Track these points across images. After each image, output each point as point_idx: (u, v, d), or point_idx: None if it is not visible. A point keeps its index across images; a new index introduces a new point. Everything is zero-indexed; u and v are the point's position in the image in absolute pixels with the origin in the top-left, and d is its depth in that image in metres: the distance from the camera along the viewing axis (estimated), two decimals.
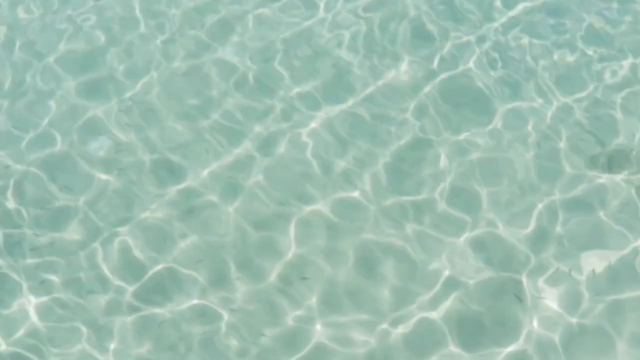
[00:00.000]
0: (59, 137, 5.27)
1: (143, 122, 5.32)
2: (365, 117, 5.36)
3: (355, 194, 5.03)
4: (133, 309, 4.59)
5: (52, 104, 5.43)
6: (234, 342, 4.49)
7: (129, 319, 4.56)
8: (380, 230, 4.87)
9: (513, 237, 4.84)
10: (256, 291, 4.65)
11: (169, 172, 5.11)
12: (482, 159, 5.18)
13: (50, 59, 5.67)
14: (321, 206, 4.96)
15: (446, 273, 4.70)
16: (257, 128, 5.31)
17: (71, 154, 5.19)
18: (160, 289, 4.67)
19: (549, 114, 5.38)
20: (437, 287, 4.66)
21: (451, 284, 4.67)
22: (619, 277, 4.70)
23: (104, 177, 5.08)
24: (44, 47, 5.73)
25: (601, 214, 4.93)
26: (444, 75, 5.57)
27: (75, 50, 5.71)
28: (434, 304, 4.61)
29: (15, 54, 5.69)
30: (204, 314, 4.59)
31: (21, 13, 5.91)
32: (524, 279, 4.68)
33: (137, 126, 5.30)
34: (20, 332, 4.53)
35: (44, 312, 4.60)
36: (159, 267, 4.72)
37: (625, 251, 4.79)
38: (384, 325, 4.54)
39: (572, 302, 4.62)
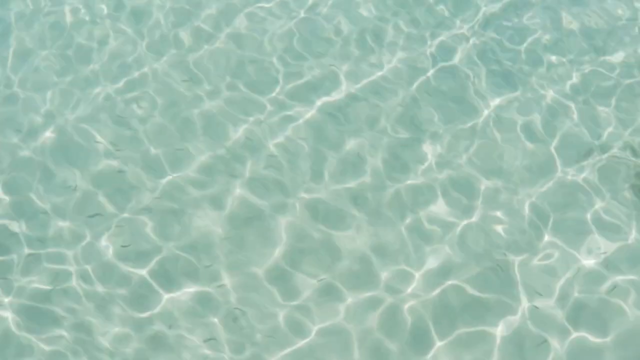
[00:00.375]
0: (50, 134, 5.28)
1: (136, 117, 5.34)
2: (359, 111, 5.41)
3: (352, 184, 5.08)
4: (130, 301, 4.64)
5: (42, 100, 5.43)
6: (231, 333, 4.54)
7: (125, 311, 4.59)
8: (377, 221, 4.92)
9: (508, 226, 4.92)
10: (252, 282, 4.70)
11: (162, 164, 5.14)
12: (476, 151, 5.25)
13: (41, 55, 5.69)
14: (318, 198, 5.01)
15: (443, 261, 4.78)
16: (253, 120, 5.34)
17: (64, 150, 5.21)
18: (159, 280, 4.70)
19: (543, 107, 5.45)
20: (434, 275, 4.74)
21: (447, 272, 4.75)
22: (613, 263, 4.79)
23: (100, 168, 5.10)
24: (33, 43, 5.74)
25: (595, 202, 5.02)
26: (436, 70, 5.62)
27: (65, 47, 5.72)
28: (431, 290, 4.69)
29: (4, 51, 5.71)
30: (201, 305, 4.62)
31: (12, 9, 5.92)
32: (521, 265, 4.77)
33: (131, 121, 5.32)
34: (19, 319, 4.56)
35: (42, 301, 4.64)
36: (155, 260, 4.77)
37: (619, 238, 4.89)
38: (383, 313, 4.62)
39: (568, 286, 4.72)
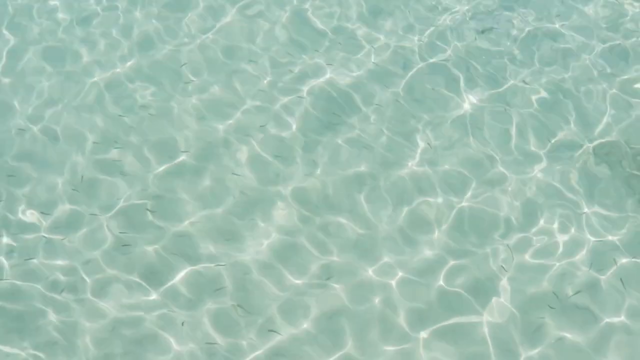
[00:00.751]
0: (46, 127, 5.30)
1: (131, 110, 5.37)
2: (353, 105, 5.45)
3: (350, 172, 5.14)
4: (125, 295, 4.66)
5: (38, 94, 5.45)
6: (227, 327, 4.57)
7: (120, 305, 4.62)
8: (371, 212, 4.97)
9: (502, 215, 5.00)
10: (247, 274, 4.72)
11: (158, 156, 5.17)
12: (469, 144, 5.30)
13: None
14: (312, 189, 5.07)
15: (437, 250, 4.85)
16: (247, 113, 5.38)
17: (62, 143, 5.23)
18: (157, 272, 4.73)
19: (535, 100, 5.51)
20: (429, 264, 4.80)
21: (442, 261, 4.81)
22: (607, 250, 4.87)
23: (97, 160, 5.13)
24: (26, 38, 5.76)
25: (588, 191, 5.10)
26: (429, 64, 5.67)
27: (58, 41, 5.74)
28: (426, 279, 4.75)
29: None
30: (196, 299, 4.65)
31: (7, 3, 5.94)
32: (514, 253, 4.84)
33: (127, 113, 5.35)
34: (12, 309, 4.59)
35: (37, 291, 4.66)
36: (152, 253, 4.79)
37: (613, 225, 4.96)
38: (377, 303, 4.67)
39: (562, 274, 4.79)
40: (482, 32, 5.83)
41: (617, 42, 5.82)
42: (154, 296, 4.61)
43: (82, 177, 5.02)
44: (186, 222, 4.87)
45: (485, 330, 4.53)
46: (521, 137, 5.31)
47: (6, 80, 5.49)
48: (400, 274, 4.73)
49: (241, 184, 5.03)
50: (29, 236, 4.80)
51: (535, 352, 4.48)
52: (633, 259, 4.79)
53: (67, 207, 4.92)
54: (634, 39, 5.82)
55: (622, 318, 4.60)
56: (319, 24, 5.84)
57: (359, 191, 5.04)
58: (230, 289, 4.64)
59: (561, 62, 5.69)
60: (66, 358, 4.40)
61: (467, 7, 5.97)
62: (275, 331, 4.52)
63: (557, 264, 4.78)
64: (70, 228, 4.84)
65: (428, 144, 5.22)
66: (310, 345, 4.48)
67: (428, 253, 4.81)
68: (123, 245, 4.77)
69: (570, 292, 4.67)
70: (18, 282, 4.64)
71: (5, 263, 4.69)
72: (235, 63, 5.60)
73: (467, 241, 4.86)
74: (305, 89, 5.47)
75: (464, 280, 4.70)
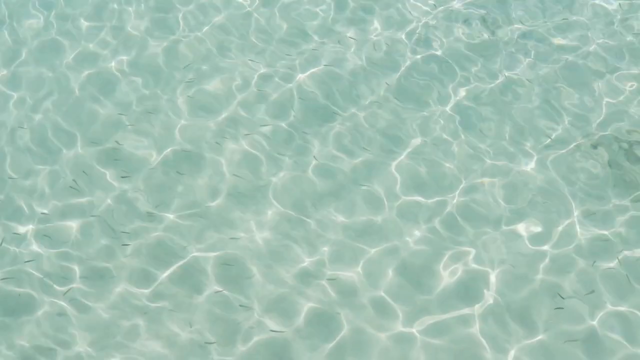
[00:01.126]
0: (46, 115, 5.31)
1: (129, 99, 5.40)
2: (345, 97, 5.47)
3: (344, 168, 5.15)
4: (127, 284, 4.68)
5: (39, 80, 5.51)
6: (218, 320, 4.57)
7: (114, 296, 4.63)
8: (366, 204, 5.00)
9: (492, 208, 5.02)
10: (239, 268, 4.73)
11: (153, 144, 5.21)
12: (461, 136, 5.32)
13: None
14: (305, 180, 5.09)
15: (430, 242, 4.87)
16: (242, 103, 5.41)
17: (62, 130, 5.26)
18: (154, 260, 4.75)
19: (528, 94, 5.54)
20: (420, 256, 4.82)
21: (435, 254, 4.84)
22: (598, 240, 4.92)
23: (94, 150, 5.16)
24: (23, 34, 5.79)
25: (583, 182, 5.14)
26: (420, 59, 5.69)
27: (54, 34, 5.77)
28: (418, 272, 4.77)
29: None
30: (198, 281, 4.67)
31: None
32: (506, 245, 4.88)
33: (124, 103, 5.38)
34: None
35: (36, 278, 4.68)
36: (151, 242, 4.82)
37: (606, 214, 5.02)
38: (372, 295, 4.69)
39: (553, 264, 4.83)
40: (476, 28, 5.85)
41: (613, 40, 5.86)
42: (150, 293, 4.61)
43: (85, 172, 5.04)
44: (184, 219, 4.87)
45: (480, 325, 4.55)
46: (516, 133, 5.33)
47: (3, 77, 5.50)
48: (395, 269, 4.73)
49: (237, 179, 5.03)
50: (27, 233, 4.79)
51: (534, 349, 4.50)
52: (633, 254, 4.84)
53: (66, 203, 4.92)
54: (628, 38, 5.87)
55: (624, 310, 4.65)
56: (313, 20, 5.85)
57: (354, 187, 5.04)
58: (226, 286, 4.64)
59: (556, 60, 5.72)
60: (62, 355, 4.39)
61: (461, 4, 5.99)
62: (273, 330, 4.52)
63: (556, 260, 4.80)
64: (68, 224, 4.83)
65: (422, 139, 5.25)
66: (305, 341, 4.49)
67: (422, 248, 4.82)
68: (123, 245, 4.76)
69: (569, 287, 4.69)
70: (15, 277, 4.62)
71: (3, 258, 4.69)
72: (231, 59, 5.61)
73: (462, 236, 4.87)
74: (299, 85, 5.47)
75: (459, 276, 4.71)
